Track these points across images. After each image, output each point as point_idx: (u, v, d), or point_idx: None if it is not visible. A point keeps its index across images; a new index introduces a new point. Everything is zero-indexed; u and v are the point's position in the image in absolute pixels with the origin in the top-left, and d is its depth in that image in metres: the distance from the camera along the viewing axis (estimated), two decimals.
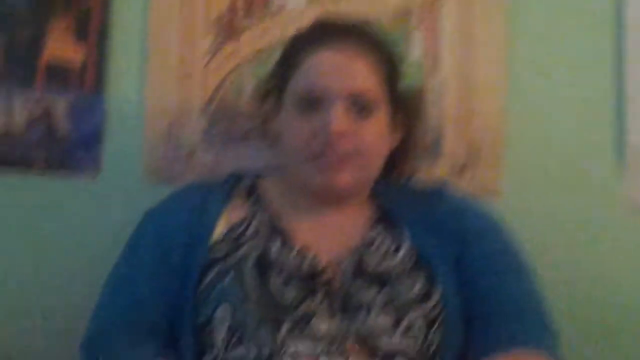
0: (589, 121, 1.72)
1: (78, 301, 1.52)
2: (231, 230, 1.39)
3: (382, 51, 1.43)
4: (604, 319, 1.69)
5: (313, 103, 1.36)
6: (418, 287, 1.33)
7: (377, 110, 1.39)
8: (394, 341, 1.28)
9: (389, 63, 1.44)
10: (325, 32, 1.42)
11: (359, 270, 1.34)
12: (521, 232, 1.46)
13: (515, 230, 1.45)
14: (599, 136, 1.72)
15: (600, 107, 1.72)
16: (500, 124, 1.68)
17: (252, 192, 1.47)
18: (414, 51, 1.69)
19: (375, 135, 1.39)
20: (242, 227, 1.39)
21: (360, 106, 1.37)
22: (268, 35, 1.69)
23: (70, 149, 1.63)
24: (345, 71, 1.37)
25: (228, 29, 1.68)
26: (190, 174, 1.64)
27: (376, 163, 1.43)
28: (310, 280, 1.31)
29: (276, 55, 1.50)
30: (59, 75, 1.63)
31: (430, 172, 1.67)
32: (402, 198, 1.47)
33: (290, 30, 1.55)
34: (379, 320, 1.29)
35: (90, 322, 1.36)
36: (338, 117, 1.34)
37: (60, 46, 1.63)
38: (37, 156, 1.63)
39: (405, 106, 1.51)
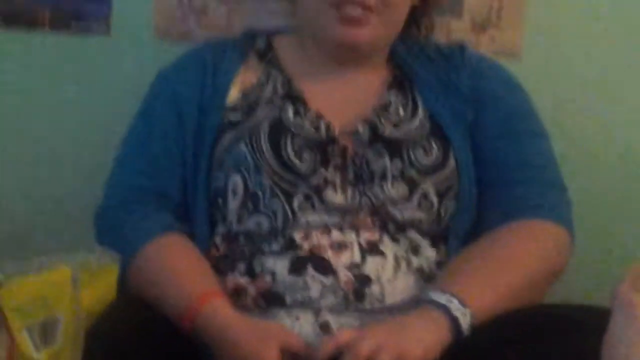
0: None
1: (91, 164, 1.56)
2: (246, 93, 1.37)
3: None
4: (621, 186, 1.68)
5: None
6: (434, 155, 1.32)
7: None
8: (408, 212, 1.29)
9: None
10: None
11: (374, 136, 1.32)
12: (540, 94, 1.45)
13: (534, 92, 1.44)
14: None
15: None
16: None
17: (267, 52, 1.43)
18: None
19: None
20: (257, 91, 1.37)
21: None
22: None
23: (78, 3, 1.58)
24: None
25: None
26: (203, 31, 1.60)
27: (400, 17, 1.38)
28: (325, 147, 1.30)
29: None
30: None
31: (450, 30, 1.62)
32: (419, 59, 1.44)
33: None
34: (393, 190, 1.29)
35: (105, 190, 1.38)
36: None
37: None
38: (43, 11, 1.58)
39: None
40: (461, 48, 1.45)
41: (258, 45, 1.44)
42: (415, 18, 1.48)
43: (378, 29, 1.33)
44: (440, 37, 1.57)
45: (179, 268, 1.24)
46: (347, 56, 1.38)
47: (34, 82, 1.61)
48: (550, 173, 1.37)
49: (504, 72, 1.45)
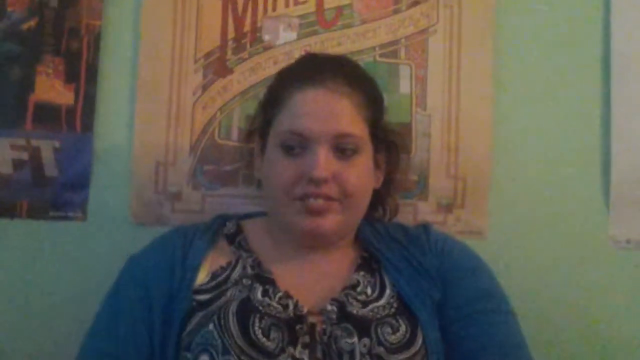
0: (576, 159, 1.72)
1: (64, 346, 1.53)
2: (215, 275, 1.39)
3: (367, 90, 1.43)
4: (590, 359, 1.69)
5: (297, 145, 1.36)
6: (401, 333, 1.33)
7: (361, 151, 1.39)
8: None
9: (373, 101, 1.43)
10: (312, 69, 1.41)
11: (342, 315, 1.33)
12: (505, 275, 1.48)
13: (500, 272, 1.46)
14: (586, 174, 1.72)
15: (587, 145, 1.72)
16: (486, 161, 1.68)
17: (237, 236, 1.47)
18: (402, 85, 1.70)
19: (361, 176, 1.39)
20: (226, 273, 1.39)
21: (344, 147, 1.37)
22: (258, 72, 1.69)
23: (57, 191, 1.64)
24: (330, 112, 1.36)
25: (218, 66, 1.68)
26: (177, 216, 1.65)
27: (362, 204, 1.43)
28: (293, 326, 1.31)
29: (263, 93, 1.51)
30: (47, 117, 1.64)
31: (417, 211, 1.67)
32: (385, 240, 1.47)
33: (281, 66, 1.57)
34: None
35: None
36: (322, 162, 1.34)
37: (49, 88, 1.64)
38: (24, 199, 1.64)
39: (389, 144, 1.52)
40: (425, 229, 1.49)
41: (228, 229, 1.48)
42: (379, 201, 1.53)
43: (341, 217, 1.38)
44: (406, 218, 1.62)
45: None
46: (313, 243, 1.42)
47: (9, 268, 1.64)
48: (519, 352, 1.36)
49: (470, 252, 1.48)
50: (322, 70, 1.40)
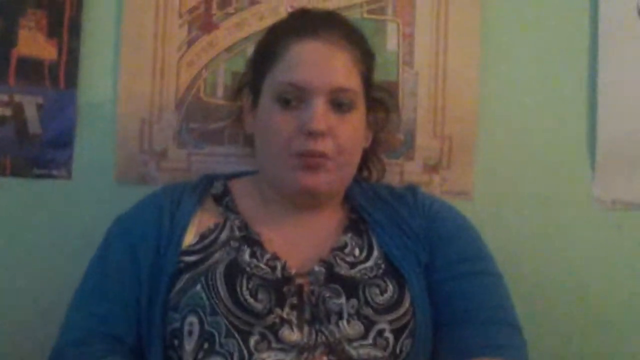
0: (562, 118, 1.72)
1: (49, 306, 1.54)
2: (202, 236, 1.38)
3: (361, 44, 1.42)
4: (574, 318, 1.71)
5: (294, 97, 1.35)
6: (388, 294, 1.34)
7: (356, 107, 1.39)
8: (364, 350, 1.29)
9: (367, 57, 1.44)
10: (307, 22, 1.40)
11: (330, 277, 1.34)
12: (492, 235, 1.48)
13: (486, 232, 1.46)
14: (572, 133, 1.72)
15: (573, 104, 1.72)
16: (472, 121, 1.68)
17: (224, 196, 1.46)
18: (389, 43, 1.68)
19: (355, 133, 1.39)
20: (214, 234, 1.39)
21: (341, 101, 1.36)
22: (244, 27, 1.66)
23: (41, 149, 1.62)
24: (328, 65, 1.36)
25: (203, 21, 1.66)
26: (163, 175, 1.63)
27: (354, 162, 1.43)
28: (280, 287, 1.31)
29: (252, 48, 1.49)
30: (30, 72, 1.61)
31: (403, 172, 1.67)
32: (373, 201, 1.47)
33: (267, 22, 1.56)
34: (349, 328, 1.29)
35: (60, 333, 1.36)
36: (321, 114, 1.33)
37: (32, 43, 1.60)
38: (7, 157, 1.61)
39: (379, 103, 1.52)
40: (413, 190, 1.49)
41: (215, 189, 1.47)
42: (367, 160, 1.54)
43: (334, 175, 1.37)
44: (393, 179, 1.62)
45: None
46: (305, 201, 1.41)
47: None
48: (504, 313, 1.37)
49: (456, 214, 1.48)
50: (318, 23, 1.39)
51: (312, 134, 1.33)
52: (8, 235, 1.63)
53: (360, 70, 1.40)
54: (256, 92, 1.43)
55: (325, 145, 1.34)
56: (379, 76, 1.53)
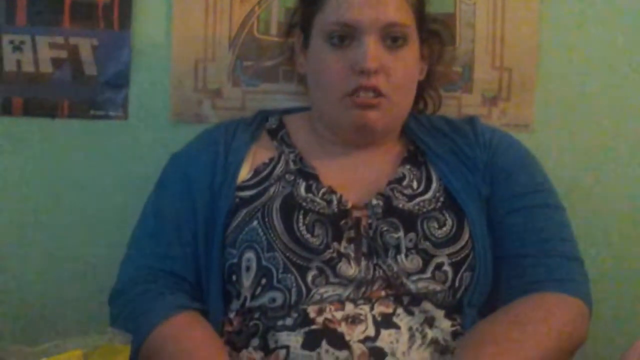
0: (625, 48, 1.65)
1: (109, 246, 1.57)
2: (257, 171, 1.38)
3: None
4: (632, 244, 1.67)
5: (345, 36, 1.33)
6: (447, 228, 1.32)
7: (409, 41, 1.36)
8: (422, 284, 1.28)
9: None
10: None
11: (388, 209, 1.33)
12: (552, 168, 1.46)
13: (546, 165, 1.44)
14: (635, 64, 1.65)
15: (637, 31, 1.65)
16: (533, 52, 1.63)
17: (279, 131, 1.45)
18: None
19: (408, 69, 1.37)
20: (269, 168, 1.38)
21: (393, 37, 1.34)
22: None
23: (97, 90, 1.62)
24: (377, 0, 1.33)
25: None
26: (218, 113, 1.63)
27: (409, 98, 1.41)
28: (337, 221, 1.31)
29: None
30: (84, 14, 1.61)
31: (461, 105, 1.63)
32: (431, 134, 1.45)
33: None
34: (407, 262, 1.29)
35: (120, 272, 1.38)
36: (373, 52, 1.31)
37: None
38: (64, 99, 1.62)
39: (434, 35, 1.49)
40: (472, 122, 1.46)
41: (270, 124, 1.47)
42: (422, 93, 1.51)
43: (390, 111, 1.35)
44: (451, 111, 1.59)
45: (191, 348, 1.22)
46: (360, 139, 1.40)
47: (53, 167, 1.64)
48: (566, 246, 1.35)
49: (518, 146, 1.46)
50: None
51: (365, 73, 1.31)
52: (67, 177, 1.64)
53: (412, 2, 1.37)
54: (307, 33, 1.42)
55: (378, 81, 1.32)
56: (435, 8, 1.51)
